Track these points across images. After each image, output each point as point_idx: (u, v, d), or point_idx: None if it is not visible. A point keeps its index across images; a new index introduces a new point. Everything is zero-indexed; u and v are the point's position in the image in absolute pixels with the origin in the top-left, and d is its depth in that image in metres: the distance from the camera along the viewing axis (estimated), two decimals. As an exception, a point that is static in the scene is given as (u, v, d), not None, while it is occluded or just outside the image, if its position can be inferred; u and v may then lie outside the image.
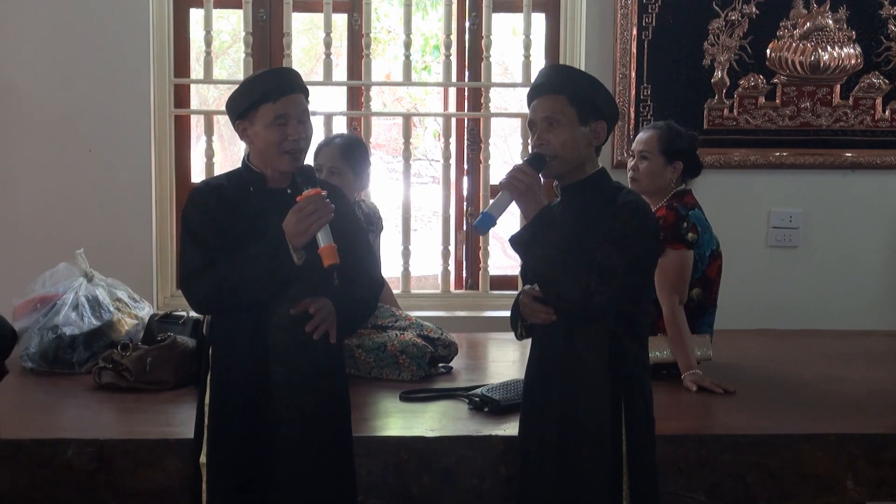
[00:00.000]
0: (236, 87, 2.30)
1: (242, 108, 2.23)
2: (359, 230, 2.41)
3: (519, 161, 2.36)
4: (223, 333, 2.26)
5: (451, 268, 4.25)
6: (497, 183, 2.36)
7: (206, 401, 2.26)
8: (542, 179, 2.23)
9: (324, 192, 2.19)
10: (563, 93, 2.21)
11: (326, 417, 2.28)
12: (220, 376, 2.25)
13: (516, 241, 2.20)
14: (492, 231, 4.06)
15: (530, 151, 2.28)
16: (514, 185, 2.18)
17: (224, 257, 2.18)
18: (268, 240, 2.16)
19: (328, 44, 4.06)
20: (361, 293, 2.35)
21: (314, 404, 2.26)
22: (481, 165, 4.17)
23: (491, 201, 2.29)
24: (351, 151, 3.17)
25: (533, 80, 2.32)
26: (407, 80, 4.22)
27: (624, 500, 2.17)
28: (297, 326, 2.21)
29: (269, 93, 2.20)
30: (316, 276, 2.20)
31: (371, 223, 3.30)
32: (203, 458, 2.25)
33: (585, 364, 2.19)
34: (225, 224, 2.21)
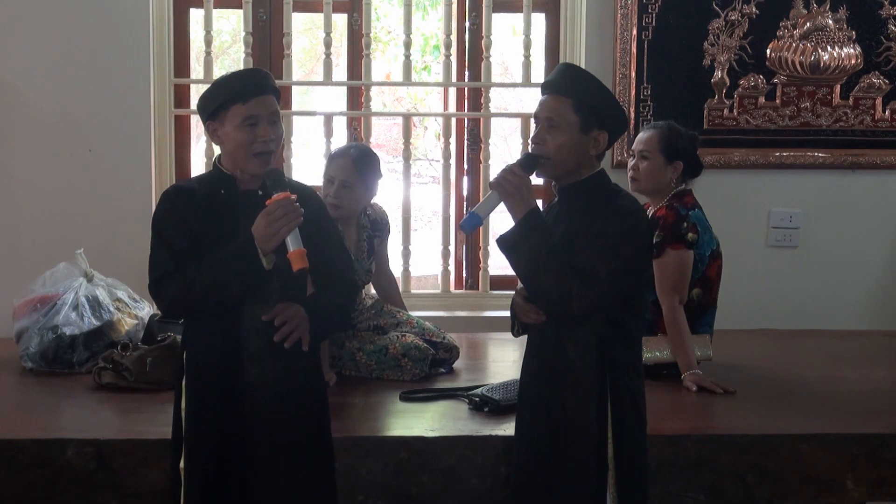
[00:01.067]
0: (208, 87, 2.28)
1: (212, 108, 2.22)
2: (332, 233, 2.40)
3: (518, 162, 2.36)
4: (197, 337, 2.26)
5: (451, 268, 4.25)
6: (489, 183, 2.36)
7: (183, 405, 2.25)
8: (532, 180, 2.24)
9: (293, 196, 2.18)
10: (570, 96, 2.21)
11: (303, 418, 2.28)
12: (196, 380, 2.24)
13: (503, 242, 2.21)
14: (492, 231, 4.09)
15: (528, 150, 2.29)
16: (502, 186, 2.18)
17: (193, 261, 2.18)
18: (237, 243, 2.16)
19: (328, 44, 4.06)
20: (336, 297, 2.35)
21: (290, 405, 2.25)
22: (481, 165, 4.16)
23: (480, 201, 2.30)
24: (365, 165, 3.13)
25: (545, 76, 2.32)
26: (407, 80, 4.22)
27: (609, 501, 2.18)
28: (270, 328, 2.21)
29: (239, 93, 2.19)
30: (288, 279, 2.20)
31: (378, 229, 3.29)
32: (182, 464, 2.25)
33: (573, 366, 2.20)
34: (196, 227, 2.21)
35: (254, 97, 2.19)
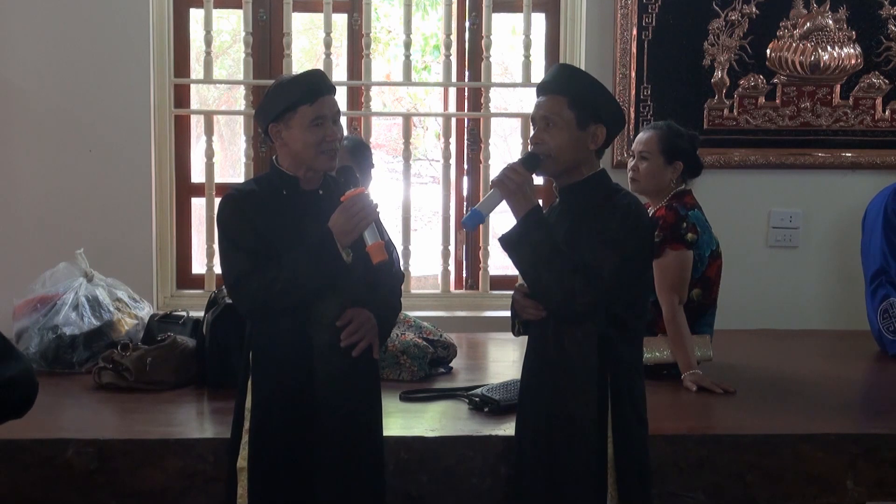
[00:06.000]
0: (268, 90, 2.31)
1: (279, 110, 2.24)
2: (383, 229, 2.42)
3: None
4: (265, 336, 2.26)
5: (451, 268, 4.25)
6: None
7: (248, 405, 2.26)
8: (534, 179, 2.25)
9: (368, 191, 2.22)
10: (564, 94, 2.23)
11: (364, 415, 2.31)
12: (264, 379, 2.25)
13: (505, 241, 2.22)
14: (492, 231, 4.09)
15: (529, 150, 2.30)
16: (504, 184, 2.19)
17: (270, 259, 2.20)
18: (315, 240, 2.19)
19: (328, 44, 4.06)
20: (391, 297, 2.41)
21: (356, 403, 2.29)
22: (481, 165, 4.17)
23: (482, 199, 2.31)
24: (358, 153, 3.16)
25: (541, 77, 2.34)
26: (407, 80, 4.22)
27: (609, 501, 2.18)
28: (338, 327, 2.26)
29: (306, 95, 2.22)
30: (355, 274, 2.24)
31: None
32: (242, 462, 2.25)
33: (573, 364, 2.20)
34: (262, 228, 2.23)
35: (319, 98, 2.23)
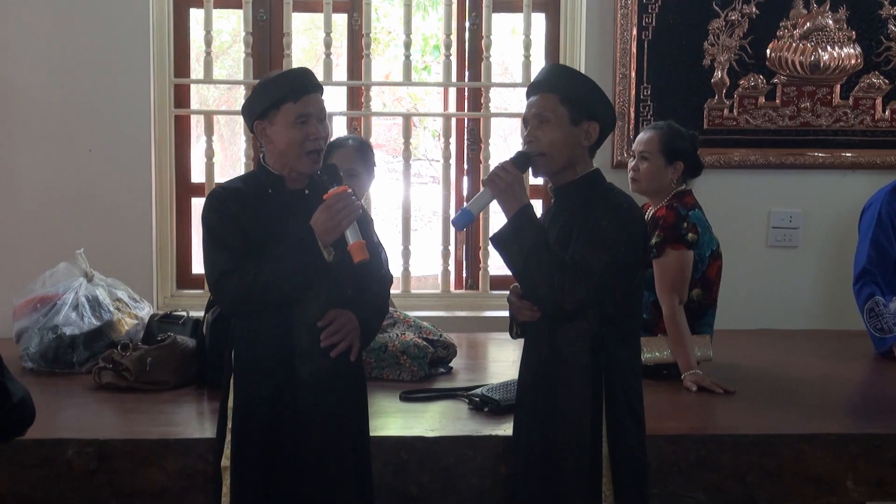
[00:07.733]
0: (254, 87, 2.31)
1: (263, 107, 2.24)
2: (369, 230, 2.42)
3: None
4: (247, 335, 2.26)
5: (451, 268, 4.25)
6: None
7: (230, 404, 2.26)
8: (531, 180, 2.25)
9: (350, 190, 2.22)
10: (555, 92, 2.23)
11: (349, 417, 2.30)
12: (245, 378, 2.25)
13: (495, 239, 2.22)
14: (492, 231, 4.09)
15: (521, 149, 2.30)
16: (494, 183, 2.20)
17: (253, 257, 2.19)
18: (297, 238, 2.19)
19: (328, 44, 4.06)
20: (376, 298, 2.40)
21: (338, 404, 2.28)
22: (481, 165, 4.16)
23: (473, 198, 2.32)
24: (364, 153, 3.17)
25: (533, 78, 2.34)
26: (407, 80, 4.22)
27: (604, 501, 2.18)
28: (321, 326, 2.25)
29: (290, 92, 2.22)
30: (337, 275, 2.23)
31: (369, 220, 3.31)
32: (225, 462, 2.25)
33: (567, 364, 2.20)
34: (246, 226, 2.23)
35: (304, 95, 2.22)
